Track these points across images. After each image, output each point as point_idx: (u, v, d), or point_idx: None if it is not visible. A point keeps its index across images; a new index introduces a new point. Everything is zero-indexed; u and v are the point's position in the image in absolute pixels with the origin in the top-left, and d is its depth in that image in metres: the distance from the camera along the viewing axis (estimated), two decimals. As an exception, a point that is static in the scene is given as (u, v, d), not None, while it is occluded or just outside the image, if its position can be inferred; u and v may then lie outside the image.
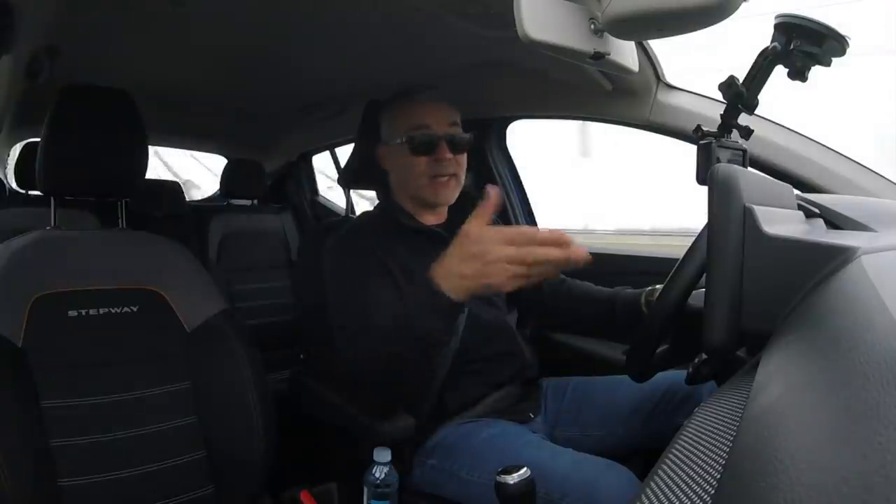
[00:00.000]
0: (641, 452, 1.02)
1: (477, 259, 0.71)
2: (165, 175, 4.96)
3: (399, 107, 1.08)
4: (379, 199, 1.17)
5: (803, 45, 0.71)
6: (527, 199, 1.66)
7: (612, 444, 1.01)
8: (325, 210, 2.50)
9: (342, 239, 1.05)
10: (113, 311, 0.89)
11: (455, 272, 0.73)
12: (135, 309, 0.90)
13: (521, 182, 1.65)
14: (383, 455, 0.87)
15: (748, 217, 0.53)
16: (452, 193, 1.06)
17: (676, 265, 0.72)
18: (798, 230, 0.60)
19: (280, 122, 2.28)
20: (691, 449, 0.38)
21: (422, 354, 0.81)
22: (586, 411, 1.06)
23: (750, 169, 0.78)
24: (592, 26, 0.65)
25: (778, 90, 0.78)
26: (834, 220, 0.76)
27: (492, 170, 1.61)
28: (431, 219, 1.10)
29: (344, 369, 0.93)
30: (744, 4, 0.57)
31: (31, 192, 2.05)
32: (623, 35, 0.69)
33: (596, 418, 1.04)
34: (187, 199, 2.51)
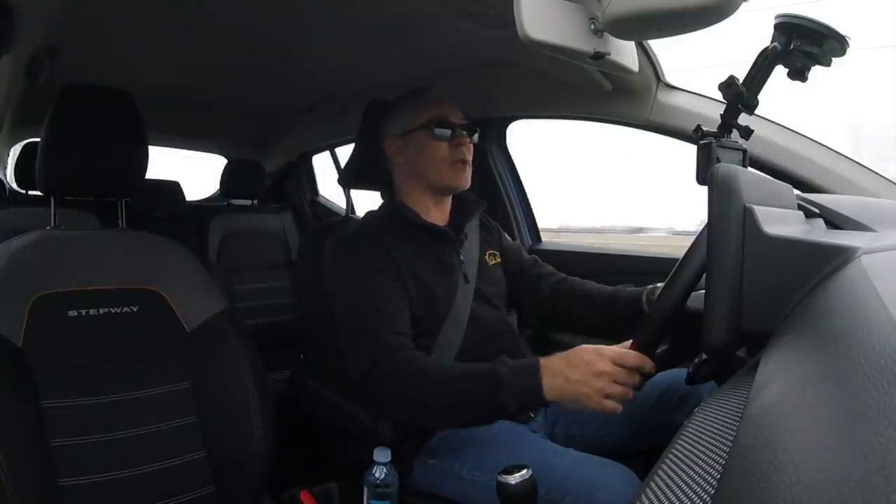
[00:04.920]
0: (640, 451, 1.02)
1: (588, 367, 0.76)
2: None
3: (417, 99, 1.11)
4: (383, 198, 1.17)
5: (803, 45, 0.71)
6: (527, 199, 1.66)
7: (611, 443, 1.01)
8: (325, 210, 2.50)
9: (348, 239, 1.05)
10: (113, 311, 0.89)
11: (563, 374, 0.77)
12: (135, 309, 0.90)
13: (521, 182, 1.65)
14: (383, 455, 0.87)
15: (748, 217, 0.53)
16: (468, 180, 1.09)
17: (676, 265, 0.72)
18: (798, 230, 0.60)
19: (280, 122, 2.28)
20: (691, 449, 0.38)
21: (474, 416, 0.86)
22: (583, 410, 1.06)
23: (750, 169, 0.78)
24: (592, 26, 0.65)
25: (778, 90, 0.78)
26: (834, 220, 0.76)
27: (492, 170, 1.61)
28: (437, 217, 1.10)
29: (348, 369, 0.93)
30: (744, 4, 0.57)
31: (31, 192, 2.05)
32: (623, 35, 0.69)
33: (594, 417, 1.04)
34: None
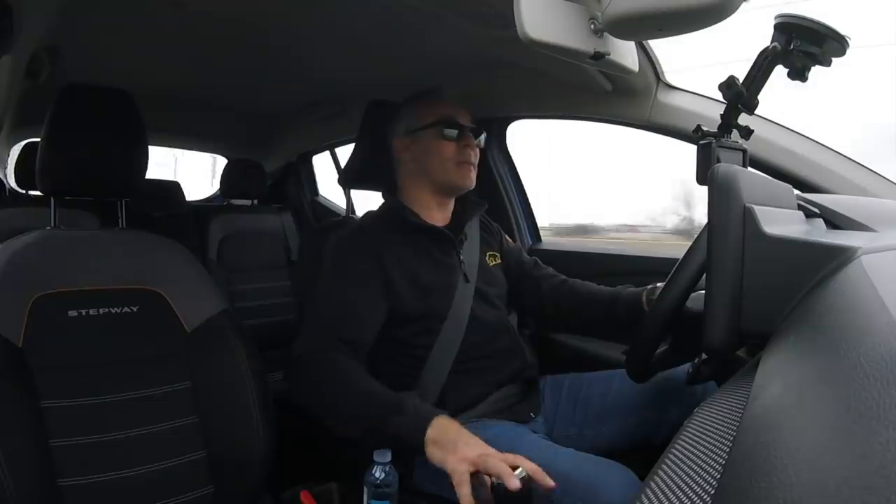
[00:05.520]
0: (637, 447, 1.02)
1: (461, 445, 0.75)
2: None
3: (427, 98, 1.13)
4: (384, 198, 1.17)
5: (803, 45, 0.71)
6: (527, 200, 1.66)
7: (609, 439, 1.01)
8: (325, 210, 2.50)
9: (345, 238, 1.05)
10: (113, 311, 0.88)
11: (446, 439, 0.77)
12: (135, 309, 0.90)
13: (521, 182, 1.65)
14: (383, 455, 0.87)
15: (748, 217, 0.53)
16: (472, 181, 1.10)
17: (676, 265, 0.72)
18: (798, 230, 0.60)
19: (280, 122, 2.28)
20: (691, 449, 0.38)
21: (365, 430, 0.86)
22: (581, 408, 1.06)
23: (750, 169, 0.78)
24: (592, 26, 0.66)
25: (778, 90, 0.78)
26: (834, 220, 0.77)
27: (492, 170, 1.61)
28: (439, 217, 1.11)
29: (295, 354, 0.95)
30: (744, 4, 0.57)
31: (31, 192, 2.05)
32: (623, 35, 0.69)
33: (591, 414, 1.04)
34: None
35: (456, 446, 0.75)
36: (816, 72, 0.74)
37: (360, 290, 0.98)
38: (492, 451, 0.74)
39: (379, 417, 0.82)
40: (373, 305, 0.98)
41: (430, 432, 0.78)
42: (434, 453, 0.77)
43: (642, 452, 1.01)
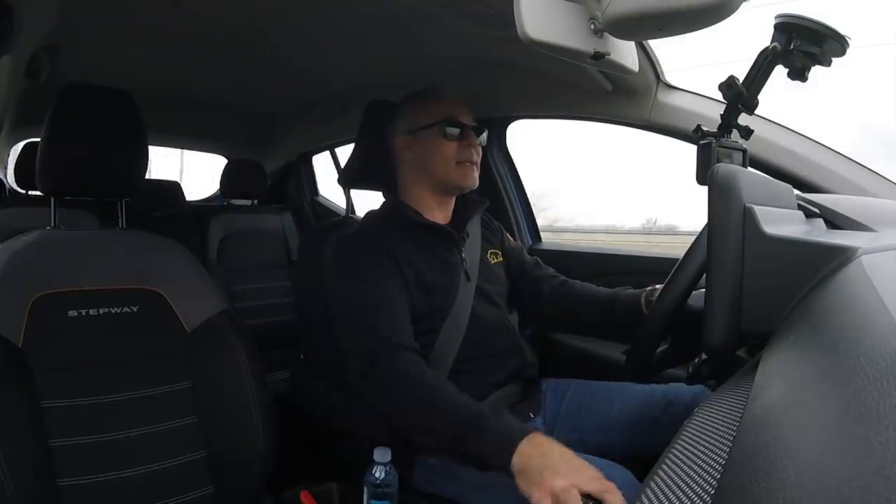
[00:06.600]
0: (640, 457, 1.02)
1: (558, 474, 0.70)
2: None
3: (429, 98, 1.12)
4: (385, 197, 1.17)
5: (803, 45, 0.71)
6: (527, 200, 1.66)
7: (610, 453, 1.00)
8: (325, 210, 2.50)
9: (351, 239, 1.05)
10: (113, 311, 0.88)
11: (535, 461, 0.72)
12: (135, 309, 0.90)
13: (521, 182, 1.65)
14: (383, 455, 0.87)
15: (748, 217, 0.53)
16: (475, 180, 1.09)
17: (676, 265, 0.72)
18: (798, 230, 0.60)
19: (280, 122, 2.28)
20: (691, 449, 0.38)
21: (439, 443, 0.83)
22: (585, 417, 1.05)
23: (750, 169, 0.78)
24: (592, 26, 0.66)
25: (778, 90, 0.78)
26: (834, 220, 0.77)
27: (492, 169, 1.61)
28: (440, 216, 1.11)
29: (348, 368, 0.93)
30: (744, 4, 0.57)
31: (31, 192, 2.05)
32: (623, 35, 0.69)
33: (594, 426, 1.04)
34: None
35: (542, 475, 0.70)
36: (816, 72, 0.74)
37: (390, 282, 0.96)
38: (580, 481, 0.69)
39: (458, 438, 0.79)
40: (404, 293, 0.97)
41: (516, 460, 0.74)
42: (521, 484, 0.73)
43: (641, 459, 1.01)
